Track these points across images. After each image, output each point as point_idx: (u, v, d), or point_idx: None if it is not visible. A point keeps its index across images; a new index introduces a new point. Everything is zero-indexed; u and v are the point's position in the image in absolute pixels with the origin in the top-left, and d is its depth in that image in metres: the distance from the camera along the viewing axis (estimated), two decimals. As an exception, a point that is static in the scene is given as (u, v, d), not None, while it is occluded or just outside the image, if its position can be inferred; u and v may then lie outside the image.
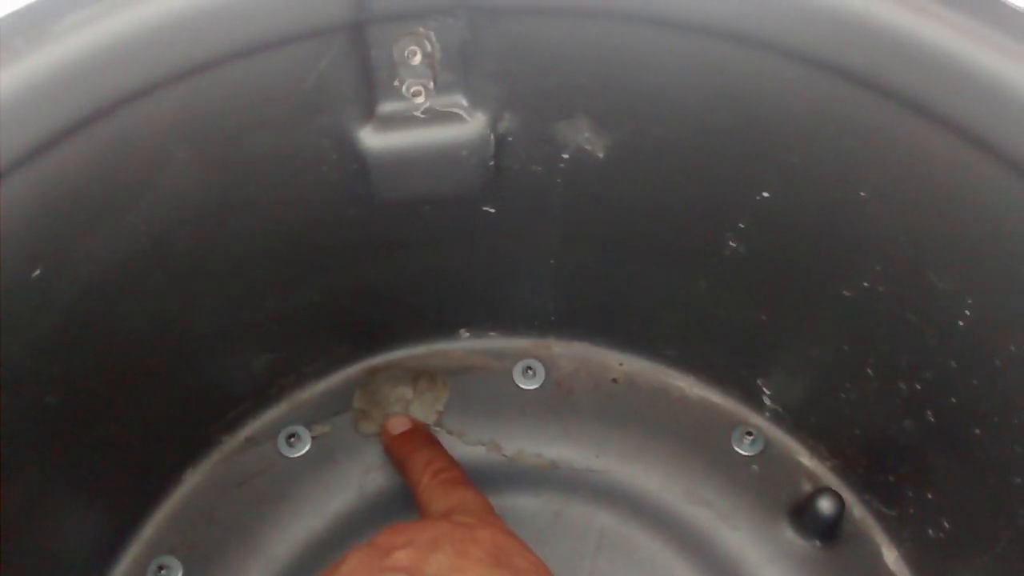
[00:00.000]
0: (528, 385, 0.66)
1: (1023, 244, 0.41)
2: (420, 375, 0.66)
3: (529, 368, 0.67)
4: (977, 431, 0.50)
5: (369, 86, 0.46)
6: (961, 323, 0.46)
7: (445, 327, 0.67)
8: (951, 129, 0.39)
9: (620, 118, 0.48)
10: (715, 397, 0.65)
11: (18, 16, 0.36)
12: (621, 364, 0.67)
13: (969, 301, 0.45)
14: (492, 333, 0.68)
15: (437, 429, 0.64)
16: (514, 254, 0.60)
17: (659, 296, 0.61)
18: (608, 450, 0.64)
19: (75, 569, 0.58)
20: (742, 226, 0.52)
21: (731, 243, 0.54)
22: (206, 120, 0.44)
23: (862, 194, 0.46)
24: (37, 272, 0.43)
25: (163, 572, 0.60)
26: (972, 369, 0.48)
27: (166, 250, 0.48)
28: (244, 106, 0.44)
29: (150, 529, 0.61)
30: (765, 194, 0.49)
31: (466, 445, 0.64)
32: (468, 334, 0.67)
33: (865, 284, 0.50)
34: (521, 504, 0.63)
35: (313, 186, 0.50)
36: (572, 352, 0.68)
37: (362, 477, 0.63)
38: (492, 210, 0.55)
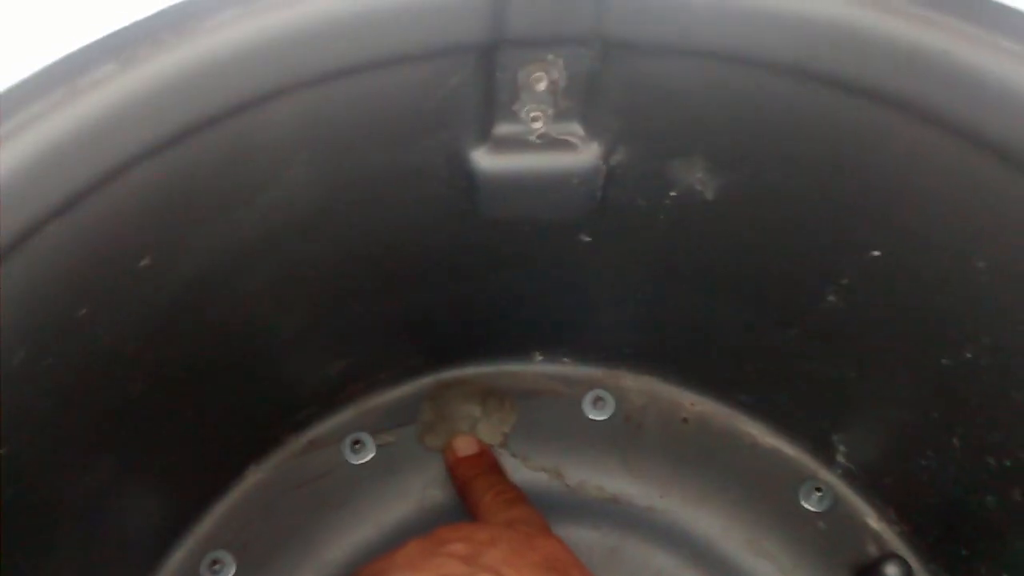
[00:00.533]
0: (597, 416, 0.66)
1: None
2: (489, 394, 0.65)
3: (599, 398, 0.66)
4: (1068, 517, 0.48)
5: (488, 107, 0.46)
6: (1067, 407, 0.45)
7: (519, 348, 0.66)
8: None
9: (737, 161, 0.47)
10: (787, 448, 0.64)
11: (169, 12, 0.36)
12: (693, 404, 0.66)
13: (1079, 386, 0.44)
14: (565, 359, 0.67)
15: (501, 451, 0.64)
16: (602, 284, 0.59)
17: (745, 340, 0.60)
18: (672, 490, 0.64)
19: (133, 556, 0.58)
20: (845, 282, 0.51)
21: (830, 297, 0.53)
22: (329, 128, 0.44)
23: (979, 265, 0.44)
24: (145, 261, 0.43)
25: (216, 567, 0.60)
26: (1072, 454, 0.46)
27: (271, 251, 0.48)
28: (367, 117, 0.44)
29: (208, 522, 0.61)
30: (875, 253, 0.48)
31: (529, 470, 0.64)
32: (541, 357, 0.67)
33: (968, 355, 0.49)
34: (578, 536, 0.62)
35: (420, 200, 0.50)
36: (643, 387, 0.67)
37: (422, 491, 0.63)
38: (589, 239, 0.55)
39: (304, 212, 0.47)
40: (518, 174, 0.48)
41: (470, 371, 0.66)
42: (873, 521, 0.62)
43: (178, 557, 0.60)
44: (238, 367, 0.55)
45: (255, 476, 0.62)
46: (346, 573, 0.61)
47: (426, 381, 0.66)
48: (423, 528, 0.61)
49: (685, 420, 0.66)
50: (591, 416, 0.66)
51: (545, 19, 0.41)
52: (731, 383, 0.64)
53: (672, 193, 0.51)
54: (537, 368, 0.67)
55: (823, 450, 0.63)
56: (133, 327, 0.46)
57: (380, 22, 0.40)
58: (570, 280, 0.59)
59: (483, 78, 0.44)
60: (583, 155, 0.48)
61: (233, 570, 0.60)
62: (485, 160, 0.48)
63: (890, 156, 0.43)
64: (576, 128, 0.47)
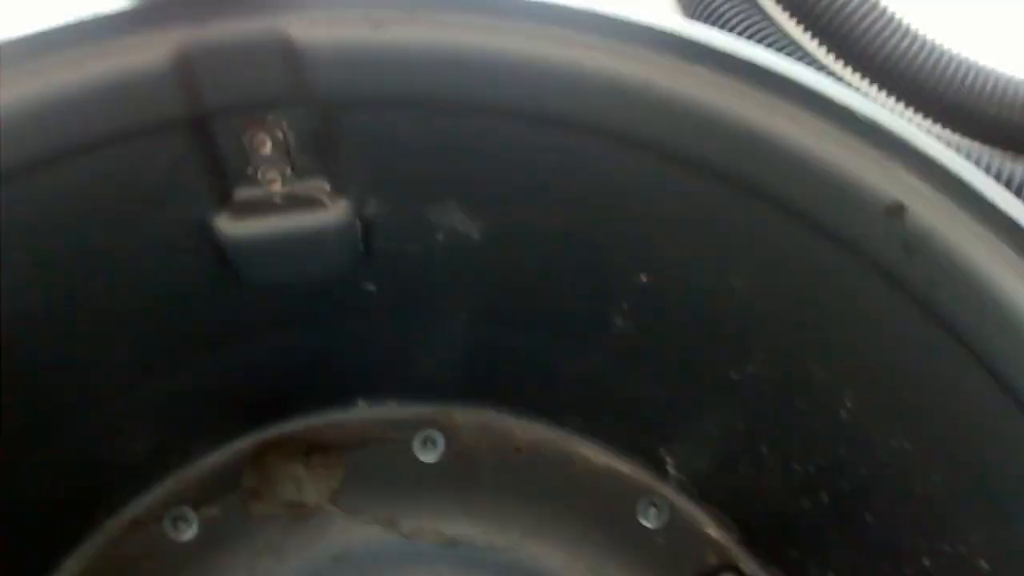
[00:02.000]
0: (428, 458, 0.64)
1: (896, 344, 0.39)
2: (313, 450, 0.63)
3: (429, 439, 0.64)
4: (869, 518, 0.48)
5: (221, 175, 0.44)
6: (843, 413, 0.45)
7: (340, 396, 0.64)
8: (814, 227, 0.38)
9: (489, 204, 0.46)
10: (621, 466, 0.63)
11: None
12: (524, 432, 0.65)
13: (849, 393, 0.44)
14: (391, 402, 0.65)
15: (331, 508, 0.62)
16: (404, 327, 0.58)
17: (556, 367, 0.59)
18: (511, 526, 0.62)
19: None
20: (625, 306, 0.50)
21: (618, 320, 0.52)
22: (43, 216, 0.42)
23: (736, 284, 0.44)
24: None
25: None
26: (859, 458, 0.46)
27: (20, 344, 0.45)
28: (84, 202, 0.42)
29: None
30: (643, 277, 0.47)
31: (362, 524, 0.62)
32: (366, 403, 0.65)
33: (750, 369, 0.48)
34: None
35: (172, 273, 0.48)
36: (475, 420, 0.65)
37: (251, 561, 0.61)
38: (373, 288, 0.53)
39: (40, 304, 0.45)
40: (269, 237, 0.46)
41: (291, 426, 0.64)
42: (712, 530, 0.62)
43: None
44: (35, 443, 0.52)
45: (70, 568, 0.60)
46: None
47: (246, 443, 0.64)
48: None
49: (518, 450, 0.64)
50: (422, 459, 0.64)
51: (237, 87, 0.39)
52: (557, 408, 0.63)
53: (439, 236, 0.49)
54: (362, 414, 0.65)
55: (655, 465, 0.62)
56: None
57: (70, 108, 0.38)
58: (371, 329, 0.57)
59: (205, 147, 0.42)
60: (333, 211, 0.46)
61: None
62: (230, 227, 0.46)
63: (630, 189, 0.43)
64: (320, 184, 0.46)
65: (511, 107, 0.41)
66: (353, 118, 0.42)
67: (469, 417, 0.65)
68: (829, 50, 0.84)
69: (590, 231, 0.46)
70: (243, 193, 0.45)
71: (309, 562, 0.61)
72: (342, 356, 0.60)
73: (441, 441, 0.64)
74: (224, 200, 0.45)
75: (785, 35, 0.85)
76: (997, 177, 0.81)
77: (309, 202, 0.46)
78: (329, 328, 0.56)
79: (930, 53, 0.81)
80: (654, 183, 0.41)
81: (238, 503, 0.62)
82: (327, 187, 0.46)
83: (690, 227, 0.42)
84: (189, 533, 0.61)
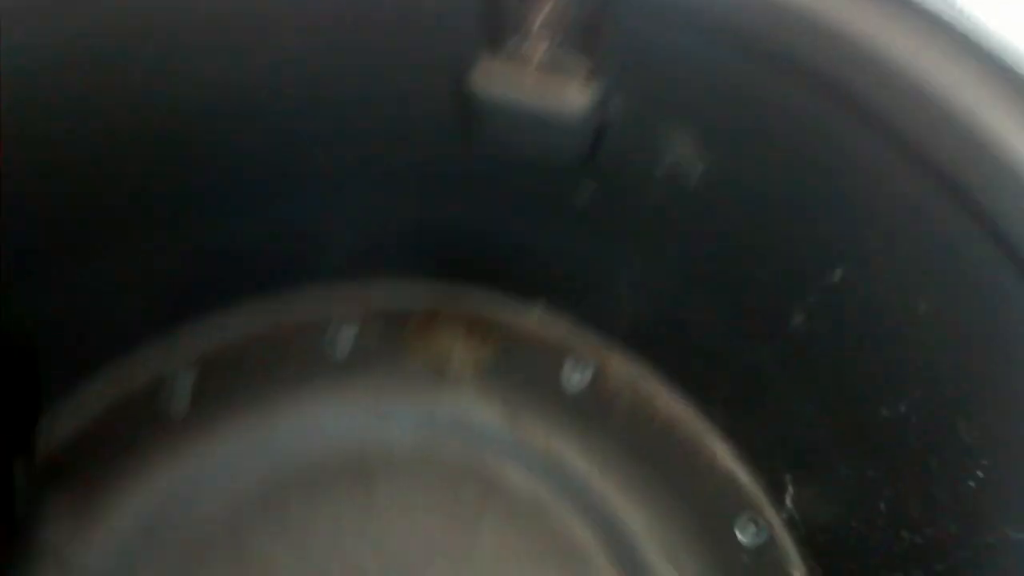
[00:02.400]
0: (572, 381, 0.66)
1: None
2: (476, 324, 0.67)
3: (580, 368, 0.66)
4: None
5: (494, 26, 0.47)
6: (972, 484, 0.42)
7: (523, 292, 0.67)
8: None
9: (722, 144, 0.47)
10: (740, 474, 0.62)
11: None
12: (667, 405, 0.65)
13: (984, 462, 0.41)
14: (564, 317, 0.68)
15: (469, 377, 0.66)
16: (600, 247, 0.60)
17: (721, 347, 0.59)
18: (614, 472, 0.63)
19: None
20: (811, 300, 0.49)
21: (798, 317, 0.51)
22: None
23: (921, 307, 0.42)
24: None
25: None
26: (966, 540, 0.43)
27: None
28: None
29: None
30: (838, 273, 0.46)
31: (487, 404, 0.65)
32: (542, 307, 0.68)
33: (902, 409, 0.46)
34: (506, 474, 0.63)
35: (405, 122, 0.52)
36: (630, 371, 0.66)
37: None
38: (586, 194, 0.55)
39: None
40: (517, 102, 0.50)
41: (468, 298, 0.68)
42: (798, 572, 0.59)
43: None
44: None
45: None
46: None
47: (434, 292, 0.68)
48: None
49: (653, 417, 0.65)
50: (567, 380, 0.66)
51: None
52: (707, 393, 0.63)
53: (660, 169, 0.50)
54: (533, 317, 0.68)
55: (774, 487, 0.61)
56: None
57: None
58: (567, 235, 0.60)
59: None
60: (582, 93, 0.49)
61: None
62: (484, 81, 0.49)
63: (862, 173, 0.42)
64: (581, 63, 0.48)
65: (779, 54, 0.41)
66: (635, 13, 0.44)
67: (626, 366, 0.67)
68: None
69: (806, 201, 0.45)
70: (507, 50, 0.48)
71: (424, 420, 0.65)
72: (533, 252, 0.63)
73: (589, 374, 0.66)
74: (486, 54, 0.48)
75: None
76: None
77: (564, 77, 0.48)
78: (533, 219, 0.59)
79: None
80: (885, 174, 0.41)
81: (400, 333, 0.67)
82: (581, 68, 0.48)
83: (904, 234, 0.41)
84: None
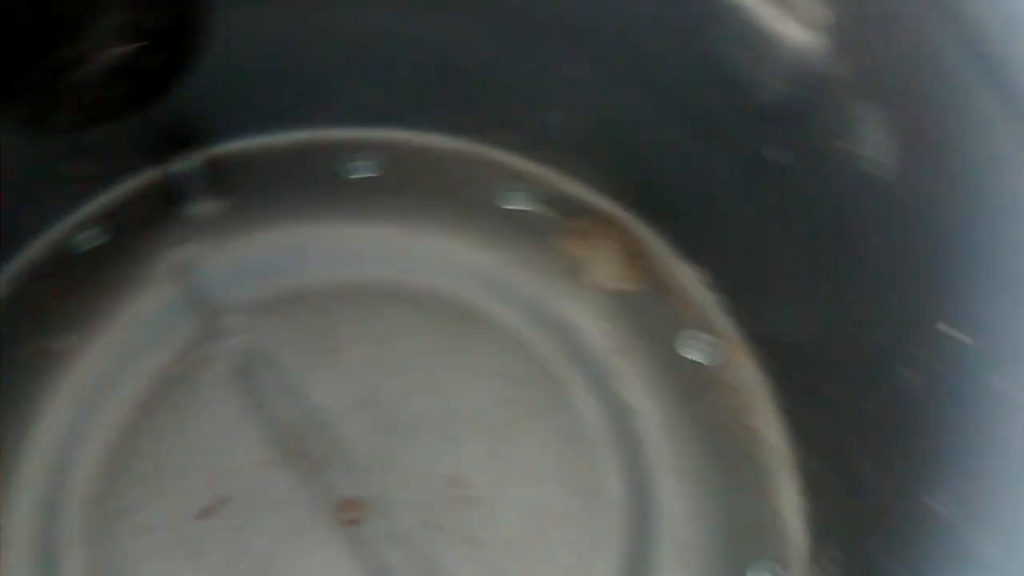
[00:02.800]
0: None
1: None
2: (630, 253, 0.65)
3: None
4: None
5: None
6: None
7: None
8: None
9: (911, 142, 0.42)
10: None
11: None
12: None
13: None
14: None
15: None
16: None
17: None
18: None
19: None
20: (921, 356, 0.43)
21: (902, 372, 0.45)
22: None
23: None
24: None
25: None
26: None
27: None
28: None
29: None
30: (940, 326, 0.40)
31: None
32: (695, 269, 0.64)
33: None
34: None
35: None
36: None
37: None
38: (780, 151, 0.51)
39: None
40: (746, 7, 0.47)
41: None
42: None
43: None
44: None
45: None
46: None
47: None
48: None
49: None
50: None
51: None
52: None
53: (851, 136, 0.46)
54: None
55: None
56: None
57: None
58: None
59: None
60: (807, 30, 0.45)
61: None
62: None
63: None
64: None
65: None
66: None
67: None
68: None
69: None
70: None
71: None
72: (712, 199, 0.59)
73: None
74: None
75: None
76: None
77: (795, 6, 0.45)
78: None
79: None
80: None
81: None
82: (819, 8, 0.44)
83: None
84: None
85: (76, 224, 0.63)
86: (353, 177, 0.66)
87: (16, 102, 0.47)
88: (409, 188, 0.66)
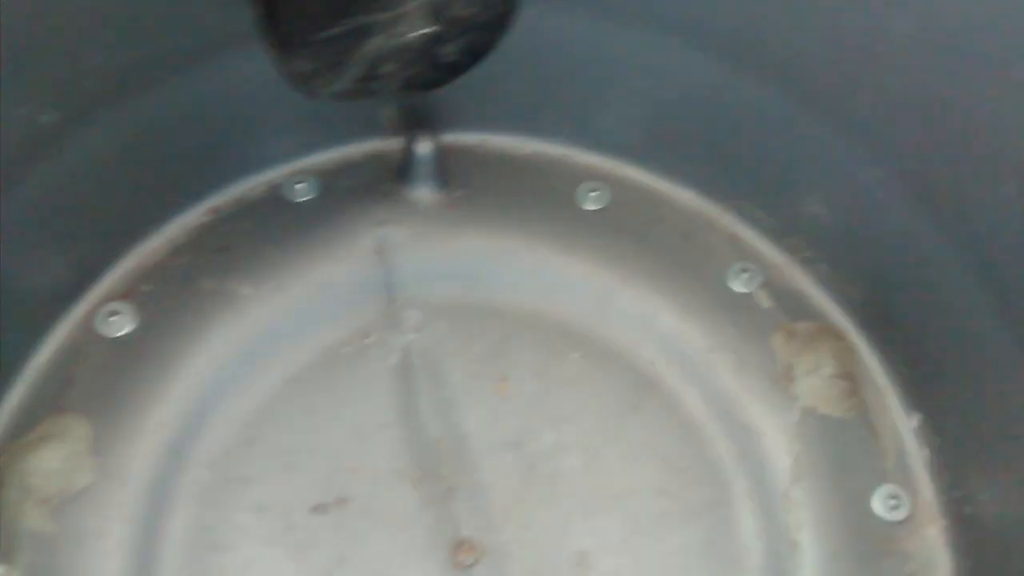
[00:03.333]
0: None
1: None
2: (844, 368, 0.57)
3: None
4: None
5: None
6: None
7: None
8: None
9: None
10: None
11: None
12: None
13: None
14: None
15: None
16: None
17: None
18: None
19: (33, 308, 0.55)
20: None
21: None
22: None
23: None
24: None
25: (113, 319, 0.56)
26: None
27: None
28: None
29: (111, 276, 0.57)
30: None
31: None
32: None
33: None
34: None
35: None
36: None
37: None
38: None
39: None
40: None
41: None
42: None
43: (80, 309, 0.56)
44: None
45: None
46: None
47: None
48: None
49: None
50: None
51: None
52: None
53: None
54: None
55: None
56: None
57: None
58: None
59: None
60: None
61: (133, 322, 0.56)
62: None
63: None
64: None
65: None
66: None
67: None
68: None
69: None
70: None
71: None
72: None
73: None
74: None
75: None
76: None
77: None
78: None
79: None
80: None
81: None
82: None
83: None
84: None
85: (295, 171, 0.62)
86: (585, 207, 0.62)
87: (301, 55, 0.45)
88: (633, 233, 0.61)
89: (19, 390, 0.53)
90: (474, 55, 0.49)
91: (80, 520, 0.49)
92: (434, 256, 0.59)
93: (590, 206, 0.61)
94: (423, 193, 0.61)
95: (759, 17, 0.49)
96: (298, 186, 0.61)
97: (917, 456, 0.54)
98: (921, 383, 0.55)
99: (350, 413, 0.55)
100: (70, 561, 0.48)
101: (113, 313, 0.55)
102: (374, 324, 0.58)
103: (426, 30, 0.45)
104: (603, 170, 0.62)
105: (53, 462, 0.50)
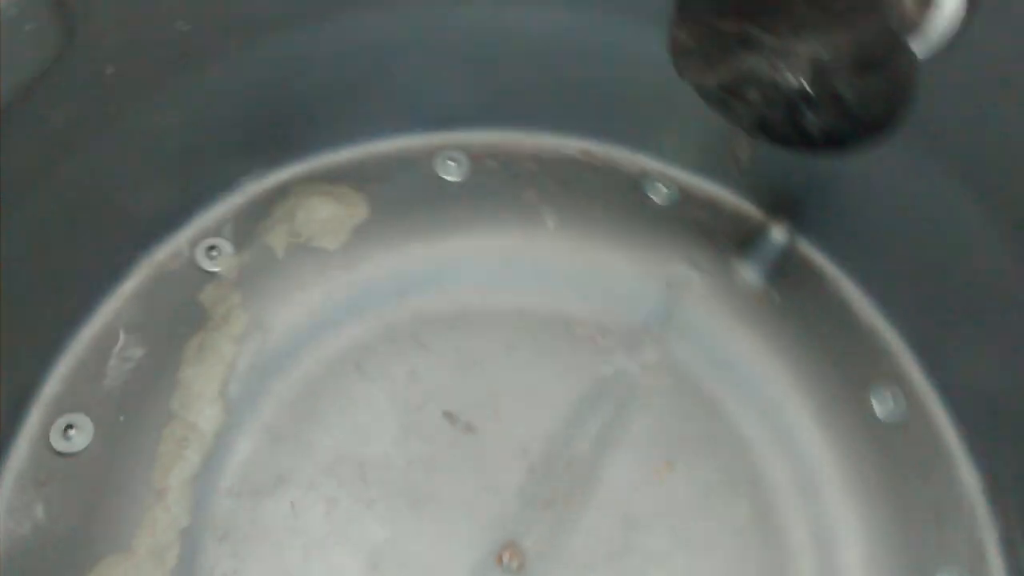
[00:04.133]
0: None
1: None
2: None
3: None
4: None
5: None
6: None
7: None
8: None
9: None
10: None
11: None
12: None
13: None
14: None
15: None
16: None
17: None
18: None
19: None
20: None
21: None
22: None
23: None
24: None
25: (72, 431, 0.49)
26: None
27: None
28: None
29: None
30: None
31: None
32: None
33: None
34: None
35: None
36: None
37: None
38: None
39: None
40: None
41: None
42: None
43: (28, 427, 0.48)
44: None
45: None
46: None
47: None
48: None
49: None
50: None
51: None
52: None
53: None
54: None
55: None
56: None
57: None
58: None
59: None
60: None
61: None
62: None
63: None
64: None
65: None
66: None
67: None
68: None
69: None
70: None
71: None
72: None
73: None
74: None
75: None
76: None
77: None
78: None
79: None
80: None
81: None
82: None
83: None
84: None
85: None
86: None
87: (690, 28, 0.42)
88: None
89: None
90: (832, 141, 0.44)
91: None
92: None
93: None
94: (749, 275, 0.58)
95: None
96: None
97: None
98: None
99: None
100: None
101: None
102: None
103: (799, 84, 0.41)
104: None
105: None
